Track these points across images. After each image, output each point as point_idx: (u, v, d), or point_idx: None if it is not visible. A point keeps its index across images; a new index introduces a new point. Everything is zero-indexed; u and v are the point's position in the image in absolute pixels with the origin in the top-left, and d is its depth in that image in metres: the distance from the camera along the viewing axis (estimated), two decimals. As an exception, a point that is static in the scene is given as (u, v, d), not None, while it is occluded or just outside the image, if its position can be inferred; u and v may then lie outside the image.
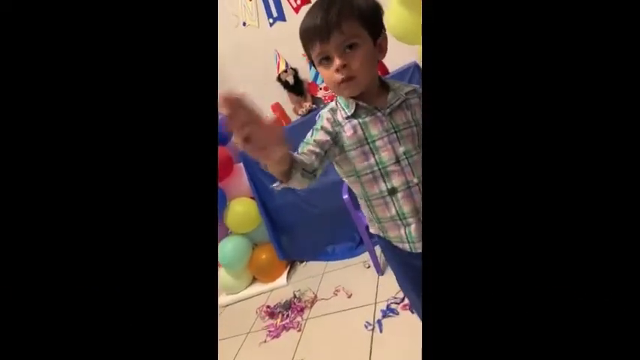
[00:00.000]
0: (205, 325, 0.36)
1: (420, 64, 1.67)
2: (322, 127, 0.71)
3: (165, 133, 0.36)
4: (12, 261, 0.34)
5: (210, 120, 0.38)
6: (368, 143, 0.71)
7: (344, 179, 0.79)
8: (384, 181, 0.72)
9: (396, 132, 0.71)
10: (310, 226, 2.03)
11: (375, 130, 0.71)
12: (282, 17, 2.16)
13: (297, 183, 0.62)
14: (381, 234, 0.79)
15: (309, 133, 0.72)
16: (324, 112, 0.74)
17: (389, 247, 0.80)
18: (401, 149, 0.71)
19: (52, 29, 0.34)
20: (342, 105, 0.73)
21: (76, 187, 0.35)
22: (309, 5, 2.00)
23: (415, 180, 0.71)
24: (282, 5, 2.13)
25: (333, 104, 0.76)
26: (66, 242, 0.35)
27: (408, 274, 0.80)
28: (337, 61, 0.65)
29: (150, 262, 0.36)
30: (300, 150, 0.68)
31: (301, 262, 2.21)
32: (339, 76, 0.66)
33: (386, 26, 0.85)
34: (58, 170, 0.35)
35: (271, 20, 2.18)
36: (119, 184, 0.36)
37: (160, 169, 0.36)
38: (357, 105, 0.71)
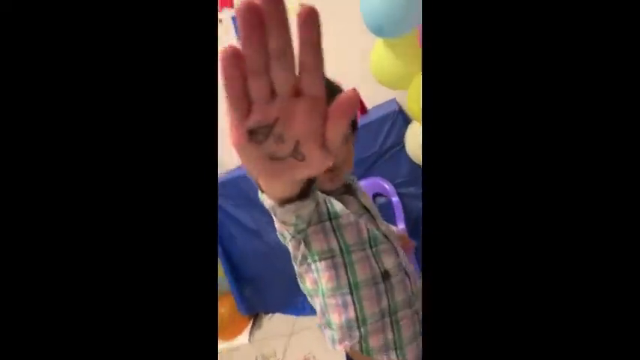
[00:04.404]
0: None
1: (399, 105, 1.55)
2: None
3: (164, 135, 0.38)
4: (12, 260, 0.35)
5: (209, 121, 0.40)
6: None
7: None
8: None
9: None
10: (279, 276, 1.84)
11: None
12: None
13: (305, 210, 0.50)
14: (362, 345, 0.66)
15: None
16: None
17: None
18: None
19: (52, 30, 0.35)
20: None
21: (74, 186, 0.37)
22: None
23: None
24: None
25: None
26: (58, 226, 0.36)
27: None
28: None
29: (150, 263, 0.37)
30: None
31: (266, 313, 2.04)
32: None
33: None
34: (56, 168, 0.36)
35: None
36: (117, 184, 0.38)
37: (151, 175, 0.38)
38: None
